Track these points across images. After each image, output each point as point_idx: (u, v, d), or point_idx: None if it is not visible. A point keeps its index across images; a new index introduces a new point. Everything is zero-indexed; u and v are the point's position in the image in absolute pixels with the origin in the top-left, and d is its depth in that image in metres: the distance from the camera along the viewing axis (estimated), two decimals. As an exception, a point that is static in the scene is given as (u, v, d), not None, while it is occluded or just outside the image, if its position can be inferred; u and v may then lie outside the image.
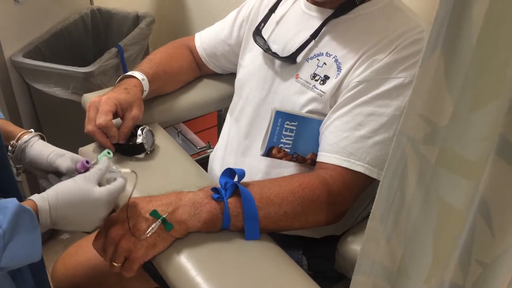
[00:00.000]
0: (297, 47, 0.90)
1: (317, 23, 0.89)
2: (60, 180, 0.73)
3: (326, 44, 0.88)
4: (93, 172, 0.70)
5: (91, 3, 1.98)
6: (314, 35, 0.89)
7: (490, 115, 0.50)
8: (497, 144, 0.52)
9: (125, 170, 0.74)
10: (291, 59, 0.91)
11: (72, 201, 0.65)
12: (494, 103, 0.49)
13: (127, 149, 0.92)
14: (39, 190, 0.68)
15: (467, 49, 0.48)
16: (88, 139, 0.93)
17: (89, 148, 0.95)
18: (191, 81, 1.17)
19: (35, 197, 0.64)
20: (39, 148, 0.77)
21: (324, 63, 0.87)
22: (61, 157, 0.75)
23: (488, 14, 0.46)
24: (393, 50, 0.80)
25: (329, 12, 0.89)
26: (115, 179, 0.72)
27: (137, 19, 1.90)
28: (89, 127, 0.89)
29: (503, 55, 0.47)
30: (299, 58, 0.90)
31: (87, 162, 0.74)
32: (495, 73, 0.48)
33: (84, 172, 0.72)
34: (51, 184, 0.72)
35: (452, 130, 0.52)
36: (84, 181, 0.68)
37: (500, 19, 0.46)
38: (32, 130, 0.81)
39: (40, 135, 0.81)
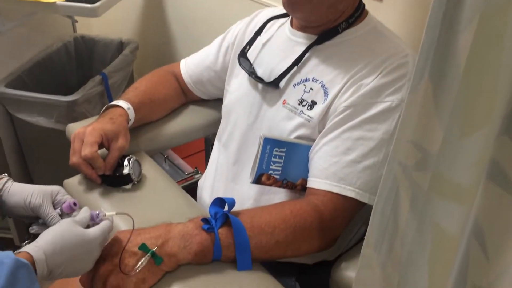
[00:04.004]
0: (281, 72, 0.90)
1: (301, 49, 0.90)
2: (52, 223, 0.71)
3: (313, 69, 0.89)
4: (82, 217, 0.70)
5: (74, 30, 1.98)
6: (296, 61, 0.89)
7: (481, 140, 0.50)
8: (489, 168, 0.52)
9: (110, 213, 0.74)
10: (273, 85, 0.91)
11: (68, 246, 0.64)
12: (484, 128, 0.49)
13: (114, 180, 0.90)
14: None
15: (455, 77, 0.48)
16: (73, 170, 0.91)
17: (75, 180, 0.93)
18: (177, 108, 1.17)
19: (29, 248, 0.61)
20: (15, 196, 0.73)
21: (311, 89, 0.87)
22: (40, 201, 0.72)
23: (475, 41, 0.46)
24: (379, 74, 0.81)
25: (313, 38, 0.89)
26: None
27: (121, 45, 1.90)
28: (74, 159, 0.87)
29: (491, 82, 0.47)
30: (282, 84, 0.91)
31: (75, 204, 0.73)
32: (483, 100, 0.48)
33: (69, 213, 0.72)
34: (43, 228, 0.70)
35: (443, 156, 0.52)
36: (75, 225, 0.67)
37: (487, 45, 0.46)
38: (6, 174, 0.77)
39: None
